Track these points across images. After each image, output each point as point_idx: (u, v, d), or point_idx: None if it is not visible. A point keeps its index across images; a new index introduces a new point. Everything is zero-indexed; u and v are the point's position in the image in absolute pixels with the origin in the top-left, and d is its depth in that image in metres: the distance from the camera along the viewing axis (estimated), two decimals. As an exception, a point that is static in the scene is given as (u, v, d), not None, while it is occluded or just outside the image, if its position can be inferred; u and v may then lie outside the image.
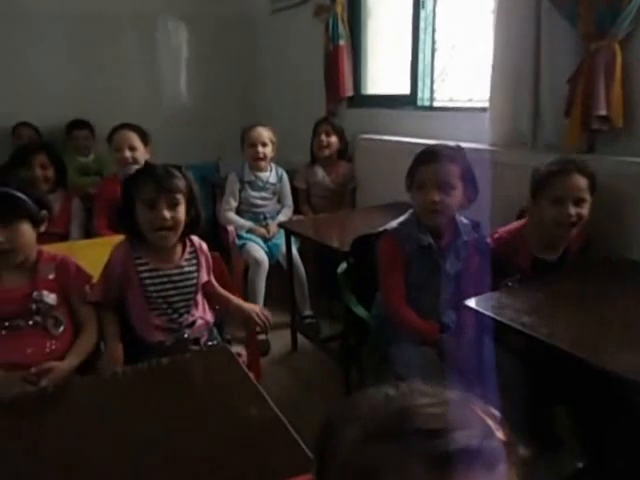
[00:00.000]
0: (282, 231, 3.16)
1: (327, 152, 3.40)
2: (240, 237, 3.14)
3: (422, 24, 3.12)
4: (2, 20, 4.00)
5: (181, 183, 1.66)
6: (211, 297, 1.87)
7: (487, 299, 1.57)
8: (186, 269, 1.75)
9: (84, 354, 1.63)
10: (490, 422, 0.54)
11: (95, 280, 1.74)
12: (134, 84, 4.57)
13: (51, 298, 1.63)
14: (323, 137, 3.37)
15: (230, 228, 3.22)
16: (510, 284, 1.85)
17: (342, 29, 3.49)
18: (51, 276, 1.66)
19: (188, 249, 1.78)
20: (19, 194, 1.57)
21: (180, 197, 1.65)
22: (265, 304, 2.92)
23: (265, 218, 3.29)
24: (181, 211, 1.66)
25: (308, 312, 3.06)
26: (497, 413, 0.56)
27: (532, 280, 1.80)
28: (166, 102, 4.72)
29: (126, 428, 1.10)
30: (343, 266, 2.20)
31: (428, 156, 1.86)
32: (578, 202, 1.82)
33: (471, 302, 1.55)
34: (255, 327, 1.83)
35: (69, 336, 1.67)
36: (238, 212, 3.30)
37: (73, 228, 2.95)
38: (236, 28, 4.79)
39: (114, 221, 2.95)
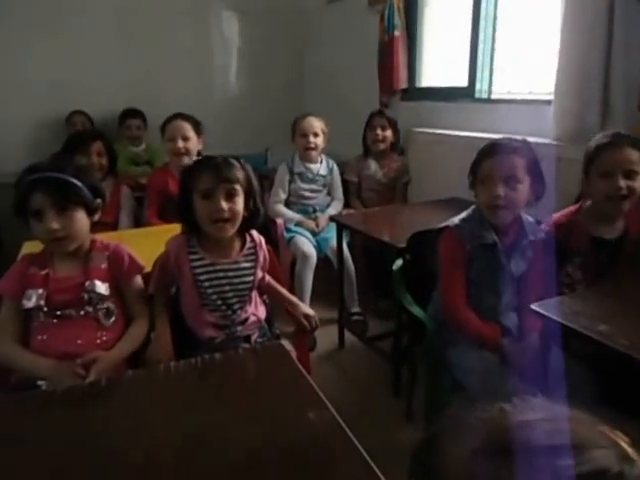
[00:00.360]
0: (331, 225, 3.11)
1: (382, 146, 3.33)
2: (288, 230, 3.09)
3: (483, 13, 3.01)
4: (56, 10, 4.03)
5: (240, 174, 1.60)
6: (263, 290, 1.82)
7: (556, 304, 1.47)
8: (243, 265, 1.69)
9: (133, 345, 1.60)
10: (623, 444, 0.49)
11: (147, 271, 1.72)
12: (185, 74, 4.58)
13: (103, 288, 1.60)
14: (379, 131, 3.30)
15: (279, 221, 3.17)
16: (571, 270, 1.77)
17: (398, 19, 3.41)
18: (103, 265, 1.63)
19: (248, 244, 1.72)
20: (75, 181, 1.54)
21: (238, 188, 1.59)
22: (311, 299, 2.89)
23: (314, 211, 3.24)
24: (239, 203, 1.60)
25: (356, 309, 2.99)
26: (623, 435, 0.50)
27: (602, 282, 1.69)
28: (216, 93, 4.71)
29: (178, 425, 1.06)
30: (398, 263, 2.12)
31: (492, 149, 1.78)
32: (629, 175, 1.71)
33: (539, 306, 1.46)
34: (305, 327, 1.76)
35: (120, 327, 1.64)
36: (287, 204, 3.26)
37: (122, 217, 2.94)
38: (288, 19, 4.76)
39: (164, 211, 2.96)
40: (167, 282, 1.71)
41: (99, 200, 1.64)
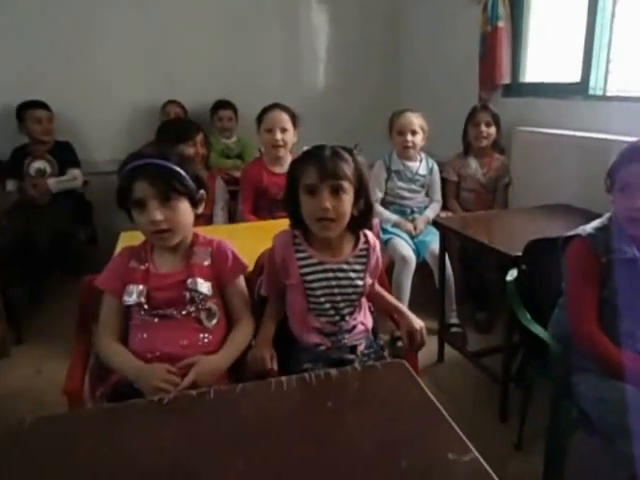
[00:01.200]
0: (429, 228, 2.96)
1: (485, 142, 3.14)
2: (385, 231, 2.95)
3: (601, 3, 2.75)
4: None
5: (348, 168, 1.45)
6: (370, 297, 1.68)
7: None
8: (354, 267, 1.55)
9: (238, 351, 1.51)
10: None
11: (250, 269, 1.62)
12: (276, 67, 4.52)
13: (206, 287, 1.51)
14: (483, 127, 3.11)
15: (375, 221, 3.02)
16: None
17: (502, 9, 3.20)
18: (206, 262, 1.54)
19: (360, 245, 1.58)
20: (180, 170, 1.46)
21: (346, 185, 1.44)
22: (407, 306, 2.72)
23: (412, 212, 3.09)
24: (346, 201, 1.46)
25: (454, 320, 2.80)
26: None
27: None
28: (306, 86, 4.61)
29: (289, 448, 0.94)
30: (513, 273, 1.93)
31: (634, 153, 1.58)
32: None
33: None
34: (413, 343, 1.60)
35: (222, 329, 1.55)
36: (383, 203, 3.12)
37: (217, 210, 2.89)
38: (382, 11, 4.58)
39: (258, 206, 2.88)
40: (278, 282, 1.60)
41: (202, 191, 1.55)
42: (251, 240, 1.63)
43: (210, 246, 1.57)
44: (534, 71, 3.37)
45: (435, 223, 2.71)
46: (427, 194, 3.14)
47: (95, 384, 1.58)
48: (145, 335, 1.49)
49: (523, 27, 3.32)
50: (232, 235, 1.61)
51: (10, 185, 3.61)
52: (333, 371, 1.13)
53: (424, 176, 3.09)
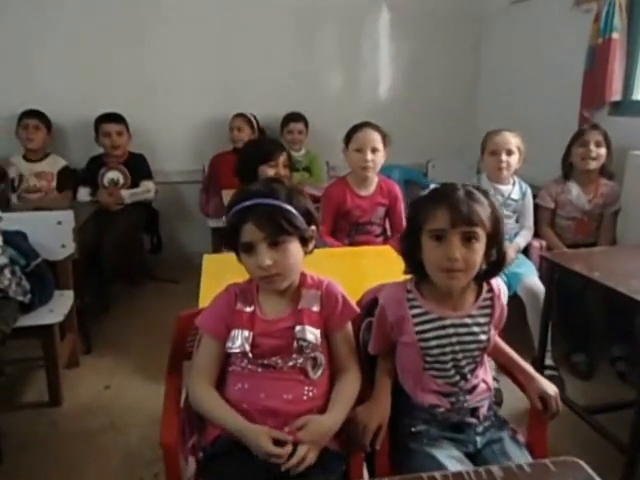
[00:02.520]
0: (521, 258, 2.79)
1: (594, 165, 2.86)
2: (472, 260, 2.76)
3: None
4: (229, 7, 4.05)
5: (484, 212, 1.28)
6: (490, 351, 1.50)
7: None
8: (478, 320, 1.39)
9: (348, 408, 1.36)
10: None
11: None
12: (345, 79, 4.44)
13: (314, 335, 1.37)
14: (592, 147, 2.83)
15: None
16: None
17: (618, 19, 2.95)
18: (315, 308, 1.40)
19: (484, 294, 1.41)
20: (290, 208, 1.32)
21: (480, 232, 1.28)
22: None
23: (502, 240, 2.88)
24: (478, 250, 1.29)
25: (548, 361, 2.59)
26: None
27: None
28: (378, 99, 4.52)
29: None
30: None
31: None
32: None
33: None
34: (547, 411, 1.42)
35: (326, 382, 1.41)
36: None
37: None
38: (461, 22, 4.43)
39: (338, 228, 2.74)
40: (389, 341, 1.45)
41: (313, 227, 1.40)
42: (338, 269, 1.47)
43: (319, 289, 1.43)
44: None
45: (525, 252, 2.51)
46: (517, 220, 2.94)
47: (186, 432, 1.45)
48: (246, 385, 1.36)
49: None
50: (314, 262, 1.45)
51: (83, 193, 3.62)
52: (495, 469, 0.96)
53: (516, 201, 2.88)
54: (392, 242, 2.74)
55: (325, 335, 1.42)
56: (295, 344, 1.36)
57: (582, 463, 0.96)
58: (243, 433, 1.25)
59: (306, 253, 1.40)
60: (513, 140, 2.80)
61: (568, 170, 2.98)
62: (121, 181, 3.69)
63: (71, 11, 3.81)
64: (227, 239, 1.36)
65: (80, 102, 3.89)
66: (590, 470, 0.94)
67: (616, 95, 3.07)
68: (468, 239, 1.27)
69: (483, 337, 1.39)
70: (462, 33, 4.46)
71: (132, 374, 2.77)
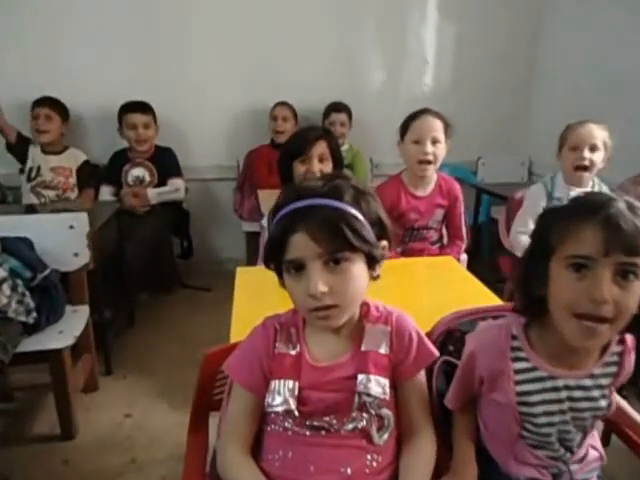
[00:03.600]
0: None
1: None
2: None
3: None
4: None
5: None
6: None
7: None
8: (600, 381, 1.03)
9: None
10: None
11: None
12: (392, 69, 4.06)
13: (382, 387, 1.03)
14: None
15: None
16: None
17: None
18: (383, 349, 1.06)
19: (613, 348, 1.04)
20: (357, 214, 0.97)
21: (637, 270, 0.89)
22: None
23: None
24: (636, 291, 0.90)
25: None
26: None
27: None
28: (427, 91, 4.14)
29: None
30: None
31: None
32: None
33: None
34: None
35: (393, 446, 1.07)
36: (535, 238, 2.55)
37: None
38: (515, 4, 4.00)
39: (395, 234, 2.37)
40: (472, 394, 1.11)
41: (385, 242, 1.05)
42: (391, 288, 1.10)
43: (388, 323, 1.08)
44: None
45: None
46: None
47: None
48: (290, 453, 1.03)
49: None
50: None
51: (106, 192, 3.34)
52: None
53: None
54: (450, 250, 2.41)
55: (393, 385, 1.07)
56: (356, 400, 1.02)
57: None
58: None
59: (373, 278, 1.05)
60: (599, 133, 2.39)
61: None
62: (147, 179, 3.39)
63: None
64: (269, 255, 1.02)
65: (103, 89, 3.54)
66: None
67: None
68: (625, 274, 0.88)
69: (603, 403, 1.03)
70: (520, 14, 4.02)
71: (157, 399, 2.48)
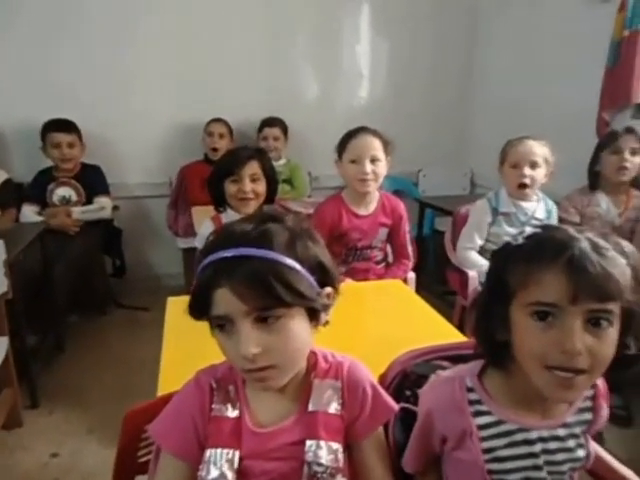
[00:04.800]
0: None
1: (627, 176, 2.45)
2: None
3: None
4: (200, 15, 3.53)
5: (623, 278, 0.74)
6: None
7: None
8: (574, 431, 0.90)
9: None
10: None
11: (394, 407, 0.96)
12: (329, 82, 3.93)
13: (333, 454, 0.86)
14: (627, 155, 2.41)
15: (472, 273, 2.41)
16: None
17: None
18: (334, 408, 0.89)
19: (584, 393, 0.91)
20: (292, 263, 0.81)
21: (615, 310, 0.76)
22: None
23: (523, 264, 2.41)
24: (610, 338, 0.77)
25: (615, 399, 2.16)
26: None
27: None
28: (364, 104, 4.02)
29: None
30: None
31: None
32: None
33: None
34: None
35: (350, 514, 0.91)
36: (482, 253, 2.49)
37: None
38: (450, 15, 3.94)
39: (333, 253, 2.22)
40: (432, 454, 0.96)
41: (329, 289, 0.88)
42: (336, 319, 0.95)
43: (338, 377, 0.92)
44: None
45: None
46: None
47: None
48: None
49: None
50: None
51: (28, 212, 3.03)
52: None
53: (541, 220, 2.41)
54: (397, 271, 2.28)
55: (347, 445, 0.92)
56: (306, 470, 0.85)
57: None
58: None
59: (320, 326, 0.89)
60: (539, 150, 2.32)
61: (595, 180, 2.54)
62: (74, 198, 3.13)
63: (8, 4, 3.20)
64: (195, 307, 0.83)
65: (26, 105, 3.26)
66: None
67: (642, 96, 2.63)
68: (597, 322, 0.76)
69: (581, 453, 0.90)
70: (453, 28, 3.98)
71: (88, 435, 2.23)
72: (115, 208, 3.32)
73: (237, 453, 0.85)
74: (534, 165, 2.32)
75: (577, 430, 0.90)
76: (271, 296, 0.77)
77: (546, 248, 0.77)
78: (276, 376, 0.83)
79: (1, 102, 3.24)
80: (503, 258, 0.84)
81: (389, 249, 2.39)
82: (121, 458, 1.04)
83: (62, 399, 2.47)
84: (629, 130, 2.47)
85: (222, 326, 0.81)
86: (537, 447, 0.87)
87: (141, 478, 1.05)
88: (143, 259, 3.82)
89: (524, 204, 2.41)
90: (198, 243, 2.07)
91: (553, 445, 0.88)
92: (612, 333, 0.76)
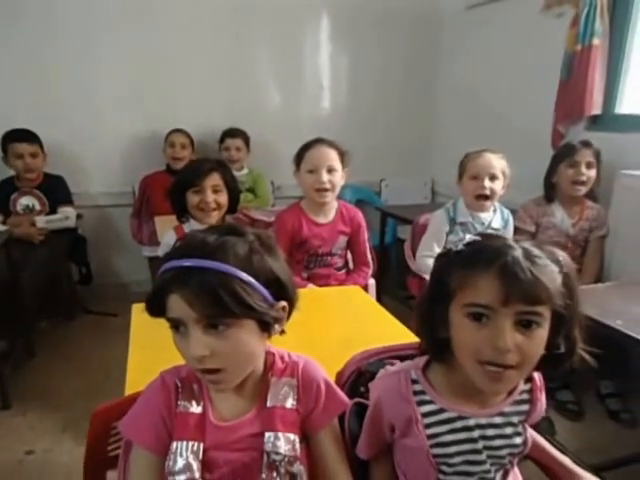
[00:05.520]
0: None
1: (584, 190, 2.55)
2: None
3: None
4: (155, 21, 3.57)
5: (552, 283, 0.82)
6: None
7: None
8: (511, 419, 0.98)
9: None
10: None
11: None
12: (291, 92, 4.02)
13: (291, 444, 0.93)
14: (583, 169, 2.50)
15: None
16: None
17: (599, 23, 2.63)
18: (290, 403, 0.96)
19: (521, 386, 0.99)
20: (242, 275, 0.86)
21: (545, 312, 0.84)
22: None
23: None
24: (540, 338, 0.85)
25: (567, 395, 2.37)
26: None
27: None
28: (325, 114, 4.11)
29: None
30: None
31: None
32: None
33: None
34: None
35: (309, 499, 0.97)
36: (439, 261, 2.57)
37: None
38: (412, 27, 4.06)
39: (294, 259, 2.29)
40: (384, 442, 1.04)
41: (283, 303, 0.93)
42: (299, 322, 1.00)
43: (293, 375, 0.99)
44: (633, 101, 2.78)
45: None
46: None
47: None
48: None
49: (626, 46, 2.73)
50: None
51: (-10, 222, 3.03)
52: None
53: (497, 230, 2.49)
54: (357, 277, 2.37)
55: (305, 436, 0.99)
56: (265, 459, 0.92)
57: None
58: None
59: (274, 335, 0.95)
60: (497, 163, 2.41)
61: (551, 191, 2.66)
62: (37, 207, 3.14)
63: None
64: (150, 307, 0.89)
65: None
66: None
67: (596, 108, 2.74)
68: (526, 323, 0.84)
69: (518, 440, 0.98)
70: (416, 39, 4.09)
71: (62, 433, 2.27)
72: (79, 217, 3.32)
73: (201, 445, 0.90)
74: (493, 177, 2.40)
75: (515, 419, 0.98)
76: (219, 307, 0.83)
77: (482, 255, 0.85)
78: (225, 379, 0.90)
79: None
80: (444, 262, 0.92)
81: (350, 256, 2.46)
82: (90, 453, 1.08)
83: (34, 401, 2.51)
84: (586, 144, 2.55)
85: (177, 327, 0.87)
86: (475, 433, 0.95)
87: (112, 473, 1.09)
88: (109, 266, 3.84)
89: (481, 214, 2.48)
90: (161, 252, 2.12)
91: (490, 432, 0.96)
92: (541, 333, 0.84)
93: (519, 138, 3.13)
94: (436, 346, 0.95)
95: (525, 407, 0.99)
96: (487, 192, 2.40)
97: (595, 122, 2.84)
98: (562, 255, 0.87)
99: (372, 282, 2.43)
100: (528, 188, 2.68)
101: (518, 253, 0.83)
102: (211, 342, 0.85)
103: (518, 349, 0.83)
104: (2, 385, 2.45)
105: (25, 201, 3.12)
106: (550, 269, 0.83)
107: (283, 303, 0.93)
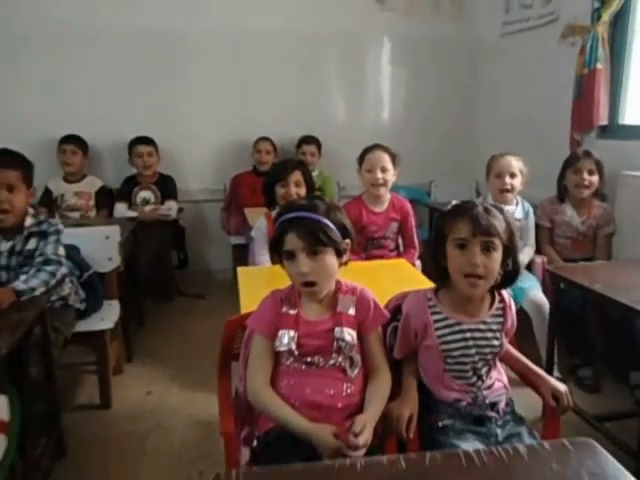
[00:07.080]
0: (526, 273, 2.86)
1: (586, 193, 2.91)
2: (478, 276, 2.84)
3: None
4: (243, 41, 4.23)
5: (500, 225, 1.39)
6: (503, 358, 1.59)
7: None
8: (491, 327, 1.49)
9: (383, 404, 1.44)
10: None
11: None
12: (354, 102, 4.59)
13: (351, 336, 1.46)
14: (585, 175, 2.88)
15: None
16: None
17: (602, 51, 3.09)
18: (351, 311, 1.49)
19: (496, 304, 1.52)
20: (327, 221, 1.42)
21: (497, 242, 1.38)
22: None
23: (506, 258, 2.95)
24: (496, 258, 1.39)
25: (556, 373, 2.61)
26: None
27: None
28: (381, 123, 4.67)
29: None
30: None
31: None
32: None
33: None
34: (557, 408, 1.50)
35: (361, 380, 1.50)
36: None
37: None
38: (457, 50, 4.61)
39: (355, 243, 2.80)
40: (412, 345, 1.55)
41: (348, 240, 1.49)
42: (357, 281, 1.57)
43: (354, 294, 1.52)
44: (634, 113, 3.21)
45: (529, 268, 2.63)
46: (520, 238, 3.01)
47: (239, 424, 1.55)
48: (292, 381, 1.45)
49: (624, 69, 3.19)
50: (349, 274, 1.56)
51: (121, 208, 3.73)
52: (521, 447, 1.03)
53: (520, 220, 2.94)
54: (406, 257, 2.83)
55: (358, 337, 1.51)
56: (335, 344, 1.45)
57: (595, 443, 1.04)
58: (309, 432, 1.33)
59: (341, 264, 1.49)
60: (515, 164, 2.89)
61: (563, 192, 3.02)
62: (152, 200, 3.83)
63: (105, 48, 3.99)
64: (273, 247, 1.48)
65: (114, 128, 4.03)
66: (602, 449, 1.02)
67: (603, 120, 3.17)
68: (487, 248, 1.38)
69: (496, 342, 1.48)
70: (460, 61, 4.63)
71: (170, 382, 2.81)
72: (180, 210, 3.98)
73: (297, 333, 1.44)
74: (513, 175, 2.89)
75: (494, 327, 1.48)
76: (317, 239, 1.39)
77: (460, 210, 1.42)
78: (318, 290, 1.44)
79: (96, 127, 4.00)
80: (442, 217, 1.48)
81: (400, 241, 2.96)
82: (224, 350, 1.64)
83: (147, 358, 3.05)
84: (587, 154, 2.94)
85: (289, 258, 1.43)
86: (467, 335, 1.46)
87: (235, 364, 1.64)
88: (200, 254, 4.44)
89: (506, 207, 2.86)
90: (254, 233, 2.67)
91: (477, 335, 1.47)
92: (496, 256, 1.39)
93: (544, 144, 3.57)
94: (440, 273, 1.48)
95: (500, 319, 1.50)
96: (508, 187, 2.89)
97: (604, 131, 3.27)
98: (505, 210, 1.44)
99: (418, 263, 2.81)
100: (552, 185, 3.10)
101: (480, 209, 1.39)
102: (311, 263, 1.40)
103: (484, 265, 1.37)
104: (128, 342, 3.01)
105: (143, 194, 3.82)
106: (498, 218, 1.39)
107: (347, 240, 1.49)
